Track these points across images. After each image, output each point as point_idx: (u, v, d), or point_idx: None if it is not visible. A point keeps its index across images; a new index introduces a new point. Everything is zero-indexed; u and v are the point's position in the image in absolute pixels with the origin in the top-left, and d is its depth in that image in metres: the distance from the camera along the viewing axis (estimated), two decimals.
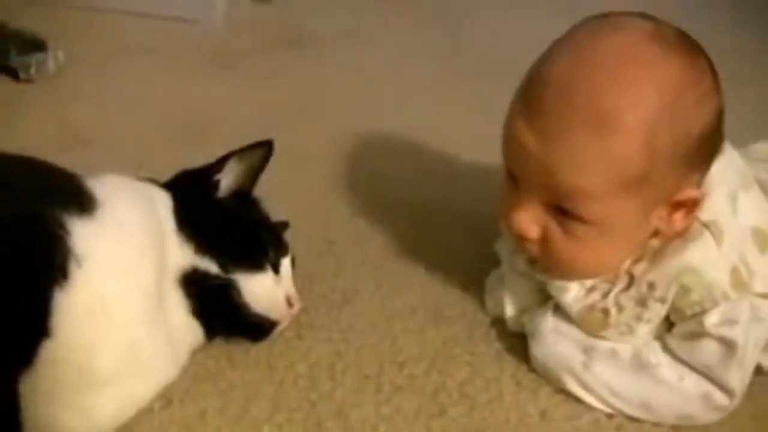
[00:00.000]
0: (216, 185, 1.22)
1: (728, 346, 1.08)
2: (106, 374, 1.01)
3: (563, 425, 1.13)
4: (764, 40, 2.45)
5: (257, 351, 1.19)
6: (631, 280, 1.12)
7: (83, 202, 1.04)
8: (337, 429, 1.09)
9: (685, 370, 1.11)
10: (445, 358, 1.21)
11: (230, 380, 1.15)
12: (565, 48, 1.07)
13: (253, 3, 2.47)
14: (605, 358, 1.14)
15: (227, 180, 1.23)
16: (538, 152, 1.04)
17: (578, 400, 1.15)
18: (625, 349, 1.14)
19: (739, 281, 1.08)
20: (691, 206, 1.08)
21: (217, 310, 1.15)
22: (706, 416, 1.12)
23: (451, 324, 1.27)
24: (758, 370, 1.15)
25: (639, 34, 1.05)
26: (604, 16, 1.09)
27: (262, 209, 1.28)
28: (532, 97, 1.06)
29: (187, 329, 1.14)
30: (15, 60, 1.89)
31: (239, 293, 1.14)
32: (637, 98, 1.01)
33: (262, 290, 1.16)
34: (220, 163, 1.22)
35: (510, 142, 1.09)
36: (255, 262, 1.17)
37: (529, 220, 1.10)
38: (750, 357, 1.10)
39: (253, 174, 1.26)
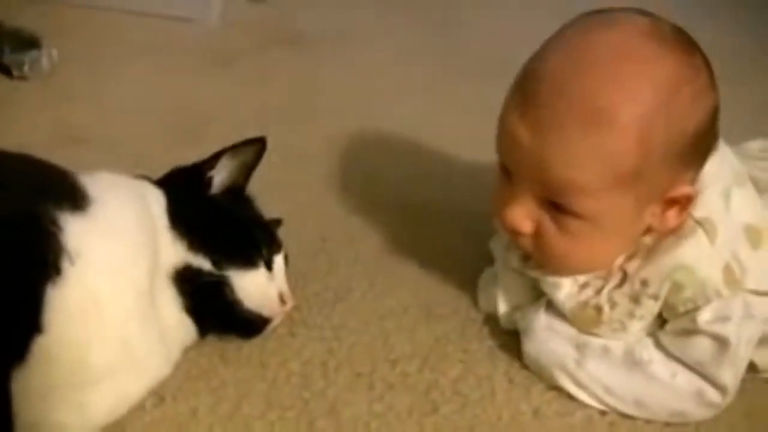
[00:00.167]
0: (209, 182, 1.22)
1: (721, 343, 1.08)
2: (99, 371, 1.01)
3: (556, 422, 1.13)
4: (763, 40, 2.46)
5: (250, 348, 1.19)
6: (624, 276, 1.12)
7: (76, 199, 1.04)
8: (330, 427, 1.09)
9: (678, 367, 1.11)
10: (437, 355, 1.21)
11: (222, 378, 1.15)
12: (561, 43, 1.08)
13: (248, 2, 2.47)
14: (598, 355, 1.14)
15: (220, 177, 1.23)
16: (532, 147, 1.04)
17: (571, 397, 1.15)
18: (617, 346, 1.14)
19: (732, 278, 1.08)
20: (684, 203, 1.08)
21: (210, 307, 1.14)
22: (699, 413, 1.12)
23: (444, 322, 1.27)
24: (751, 367, 1.15)
25: (635, 30, 1.05)
26: (600, 12, 1.09)
27: (256, 207, 1.28)
28: (527, 91, 1.06)
29: (179, 326, 1.14)
30: (8, 57, 1.89)
31: (232, 290, 1.14)
32: (632, 94, 1.01)
33: (255, 287, 1.16)
34: (213, 160, 1.22)
35: (504, 136, 1.09)
36: (248, 259, 1.17)
37: (523, 215, 1.10)
38: (742, 354, 1.10)
39: (246, 171, 1.26)
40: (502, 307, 1.25)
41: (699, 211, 1.09)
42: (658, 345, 1.13)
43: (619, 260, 1.13)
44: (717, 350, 1.09)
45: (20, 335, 0.95)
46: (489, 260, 1.32)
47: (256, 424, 1.09)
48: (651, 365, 1.12)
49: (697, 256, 1.08)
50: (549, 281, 1.16)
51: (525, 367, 1.19)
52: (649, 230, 1.11)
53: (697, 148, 1.07)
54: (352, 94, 1.97)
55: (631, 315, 1.12)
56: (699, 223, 1.09)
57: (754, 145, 1.33)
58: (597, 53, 1.03)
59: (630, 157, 1.02)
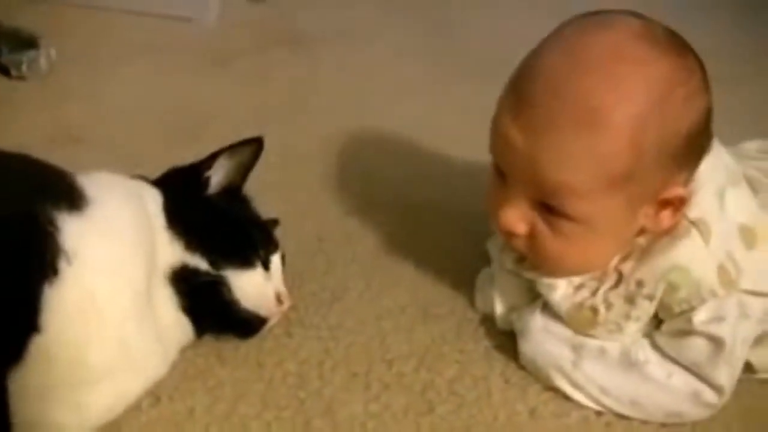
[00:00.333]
0: (206, 182, 1.22)
1: (716, 343, 1.08)
2: (96, 371, 1.01)
3: (552, 423, 1.13)
4: (762, 41, 2.46)
5: (246, 348, 1.19)
6: (620, 277, 1.12)
7: (74, 199, 1.04)
8: (326, 427, 1.09)
9: (674, 368, 1.11)
10: (434, 355, 1.21)
11: (219, 378, 1.15)
12: (554, 45, 1.08)
13: (247, 2, 2.47)
14: (594, 355, 1.14)
15: (217, 177, 1.23)
16: (526, 148, 1.04)
17: (567, 397, 1.15)
18: (613, 346, 1.14)
19: (727, 278, 1.08)
20: (678, 205, 1.08)
21: (207, 307, 1.15)
22: (695, 413, 1.12)
23: (441, 322, 1.27)
24: (747, 367, 1.15)
25: (628, 32, 1.05)
26: (594, 13, 1.09)
27: (252, 206, 1.28)
28: (521, 93, 1.07)
29: (176, 326, 1.14)
30: (6, 57, 1.89)
31: (229, 290, 1.14)
32: (625, 96, 1.01)
33: (252, 287, 1.17)
34: (210, 160, 1.23)
35: (498, 138, 1.09)
36: (245, 259, 1.17)
37: (516, 217, 1.10)
38: (738, 354, 1.10)
39: (243, 171, 1.26)
40: (499, 308, 1.25)
41: (693, 211, 1.09)
42: (654, 346, 1.13)
43: (614, 261, 1.13)
44: (712, 351, 1.09)
45: (17, 335, 0.96)
46: (486, 261, 1.31)
47: (252, 424, 1.09)
48: (647, 366, 1.12)
49: (691, 257, 1.08)
50: (544, 282, 1.16)
51: (521, 367, 1.19)
52: (643, 231, 1.11)
53: (691, 150, 1.07)
54: (350, 94, 1.97)
55: (627, 316, 1.12)
56: (693, 223, 1.09)
57: (751, 146, 1.33)
58: (591, 55, 1.03)
59: (623, 158, 1.02)
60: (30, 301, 0.96)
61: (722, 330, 1.08)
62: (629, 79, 1.02)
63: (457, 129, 1.77)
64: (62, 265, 0.98)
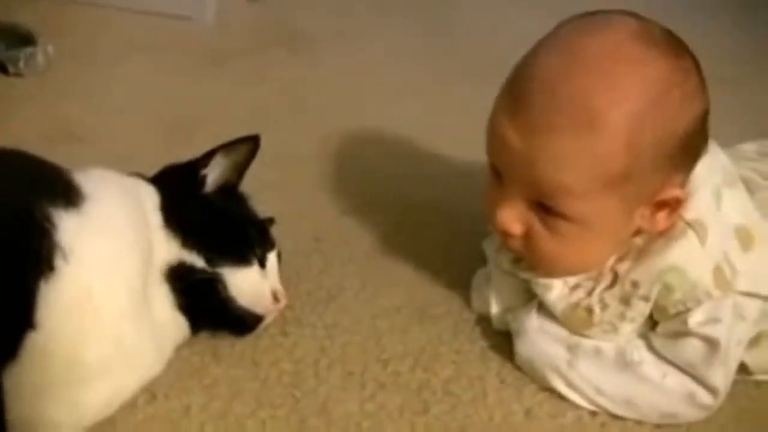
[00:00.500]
0: (202, 180, 1.22)
1: (711, 344, 1.09)
2: (93, 368, 1.01)
3: (547, 423, 1.13)
4: (762, 41, 2.46)
5: (242, 347, 1.19)
6: (615, 278, 1.12)
7: (70, 196, 1.04)
8: (321, 425, 1.09)
9: (669, 369, 1.12)
10: (429, 355, 1.21)
11: (215, 376, 1.15)
12: (552, 45, 1.08)
13: (246, 1, 2.47)
14: (589, 356, 1.14)
15: (213, 174, 1.23)
16: (522, 149, 1.04)
17: (562, 398, 1.15)
18: (609, 347, 1.14)
19: (723, 280, 1.08)
20: (674, 206, 1.08)
21: (203, 304, 1.15)
22: (690, 414, 1.12)
23: (437, 322, 1.27)
24: (742, 368, 1.15)
25: (625, 33, 1.05)
26: (592, 14, 1.10)
27: (249, 204, 1.28)
28: (517, 93, 1.07)
29: (172, 323, 1.14)
30: (3, 54, 1.88)
31: (225, 287, 1.14)
32: (621, 96, 1.01)
33: (248, 284, 1.17)
34: (206, 158, 1.22)
35: (494, 137, 1.09)
36: (241, 257, 1.17)
37: (513, 217, 1.10)
38: (733, 355, 1.10)
39: (240, 169, 1.26)
40: (495, 308, 1.25)
41: (690, 212, 1.09)
42: (650, 346, 1.14)
43: (610, 262, 1.13)
44: (708, 352, 1.09)
45: (13, 332, 0.95)
46: (482, 261, 1.32)
47: (247, 423, 1.09)
48: (642, 366, 1.13)
49: (687, 258, 1.08)
50: (540, 283, 1.16)
51: (517, 367, 1.19)
52: (639, 232, 1.11)
53: (687, 151, 1.07)
54: (348, 94, 1.96)
55: (622, 316, 1.12)
56: (690, 224, 1.09)
57: (748, 147, 1.33)
58: (588, 55, 1.03)
59: (619, 158, 1.02)
60: (26, 297, 0.96)
61: (717, 331, 1.08)
62: (626, 80, 1.02)
63: (454, 129, 1.77)
64: (58, 261, 0.98)
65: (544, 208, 1.07)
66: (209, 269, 1.14)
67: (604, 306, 1.13)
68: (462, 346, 1.23)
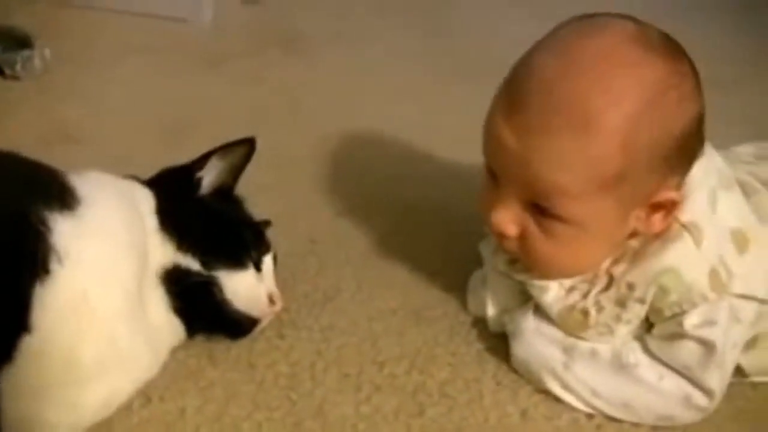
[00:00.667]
0: (198, 183, 1.22)
1: (707, 347, 1.09)
2: (89, 370, 1.01)
3: (543, 425, 1.13)
4: (762, 42, 2.46)
5: (238, 349, 1.19)
6: (611, 280, 1.12)
7: (65, 199, 1.04)
8: (317, 428, 1.09)
9: (665, 371, 1.11)
10: (425, 358, 1.21)
11: (210, 378, 1.15)
12: (549, 47, 1.08)
13: (242, 4, 2.47)
14: (586, 358, 1.14)
15: (209, 177, 1.23)
16: (518, 149, 1.04)
17: (558, 399, 1.15)
18: (605, 349, 1.14)
19: (718, 282, 1.08)
20: (669, 208, 1.08)
21: (199, 308, 1.15)
22: (686, 417, 1.12)
23: (433, 324, 1.27)
24: (738, 371, 1.15)
25: (622, 35, 1.05)
26: (589, 16, 1.09)
27: (245, 207, 1.28)
28: (514, 95, 1.07)
29: (168, 326, 1.14)
30: (0, 56, 1.88)
31: (221, 290, 1.14)
32: (617, 99, 1.01)
33: (244, 287, 1.17)
34: (202, 161, 1.23)
35: (490, 138, 1.09)
36: (237, 260, 1.17)
37: (508, 218, 1.10)
38: (729, 358, 1.11)
39: (236, 171, 1.26)
40: (491, 310, 1.25)
41: (685, 215, 1.09)
42: (646, 349, 1.13)
43: (606, 264, 1.13)
44: (703, 354, 1.09)
45: (8, 335, 0.96)
46: (479, 263, 1.32)
47: (243, 425, 1.09)
48: (638, 369, 1.12)
49: (683, 260, 1.08)
50: (536, 284, 1.16)
51: (513, 369, 1.19)
52: (634, 234, 1.11)
53: (683, 153, 1.07)
54: (344, 95, 1.96)
55: (618, 319, 1.12)
56: (685, 227, 1.09)
57: (744, 150, 1.33)
58: (584, 57, 1.03)
59: (615, 160, 1.02)
60: (21, 300, 0.96)
61: (713, 334, 1.08)
62: (622, 82, 1.02)
63: (452, 131, 1.76)
64: (54, 264, 0.98)
65: (540, 209, 1.07)
66: (205, 272, 1.14)
67: (600, 308, 1.13)
68: (458, 349, 1.23)
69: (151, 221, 1.15)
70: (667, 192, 1.07)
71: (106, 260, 1.04)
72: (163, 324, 1.13)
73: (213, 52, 2.15)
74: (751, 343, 1.15)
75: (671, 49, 1.07)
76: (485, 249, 1.29)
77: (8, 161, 1.09)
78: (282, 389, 1.14)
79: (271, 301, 1.19)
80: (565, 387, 1.14)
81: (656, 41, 1.06)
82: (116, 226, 1.08)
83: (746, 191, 1.18)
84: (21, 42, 1.91)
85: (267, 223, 1.30)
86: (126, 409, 1.08)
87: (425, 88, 2.04)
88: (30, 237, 0.99)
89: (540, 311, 1.18)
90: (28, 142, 1.55)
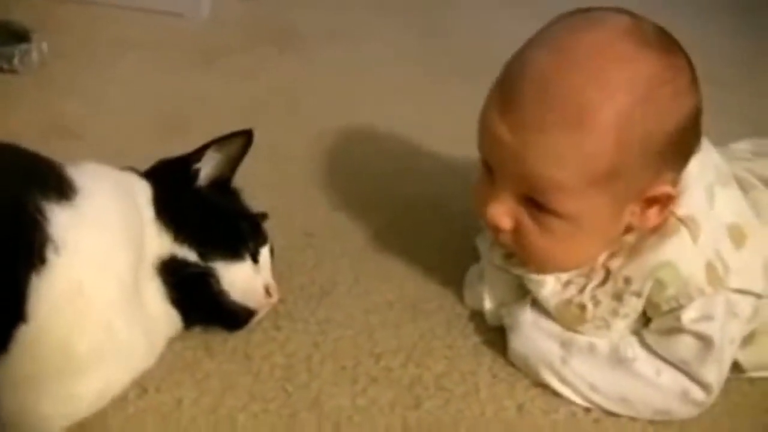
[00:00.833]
0: (195, 174, 1.22)
1: (705, 341, 1.09)
2: (84, 361, 1.01)
3: (540, 419, 1.13)
4: (760, 43, 2.47)
5: (234, 341, 1.19)
6: (607, 274, 1.12)
7: (62, 189, 1.04)
8: (313, 419, 1.09)
9: (663, 365, 1.12)
10: (422, 351, 1.21)
11: (207, 370, 1.15)
12: (543, 42, 1.08)
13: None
14: (583, 352, 1.14)
15: (206, 169, 1.23)
16: (513, 144, 1.04)
17: (555, 393, 1.15)
18: (603, 343, 1.14)
19: (715, 277, 1.08)
20: (665, 202, 1.08)
21: (196, 299, 1.14)
22: (684, 411, 1.12)
23: (429, 317, 1.27)
24: (735, 366, 1.16)
25: (617, 30, 1.05)
26: (584, 10, 1.09)
27: (242, 199, 1.28)
28: (508, 90, 1.07)
29: (164, 317, 1.14)
30: None
31: (218, 281, 1.14)
32: (611, 93, 1.01)
33: (241, 279, 1.16)
34: (199, 152, 1.22)
35: (485, 133, 1.09)
36: (234, 251, 1.17)
37: (503, 212, 1.10)
38: (726, 353, 1.11)
39: (233, 163, 1.26)
40: (488, 304, 1.25)
41: (682, 209, 1.09)
42: (643, 343, 1.14)
43: (602, 258, 1.13)
44: (701, 349, 1.09)
45: (3, 325, 0.95)
46: (475, 257, 1.32)
47: (239, 416, 1.09)
48: (636, 363, 1.13)
49: (679, 254, 1.08)
50: (532, 279, 1.16)
51: (510, 363, 1.19)
52: (630, 229, 1.11)
53: (678, 148, 1.07)
54: (340, 92, 1.96)
55: (615, 313, 1.12)
56: (682, 221, 1.09)
57: (742, 146, 1.34)
58: (578, 52, 1.03)
59: (609, 155, 1.02)
60: (17, 290, 0.96)
61: (711, 328, 1.09)
62: (616, 77, 1.02)
63: (448, 127, 1.76)
64: (50, 254, 0.98)
65: (535, 204, 1.07)
66: (202, 263, 1.14)
67: (597, 302, 1.13)
68: (454, 342, 1.23)
69: (148, 212, 1.15)
70: (662, 187, 1.07)
71: (103, 251, 1.04)
72: (160, 315, 1.13)
73: (210, 47, 2.15)
74: (748, 339, 1.15)
75: (666, 43, 1.07)
76: (482, 243, 1.29)
77: (5, 152, 1.09)
78: (278, 381, 1.14)
79: (268, 292, 1.19)
80: (563, 381, 1.14)
81: (651, 35, 1.06)
82: (113, 217, 1.08)
83: (743, 187, 1.18)
84: (19, 36, 1.90)
85: (264, 216, 1.30)
86: (122, 400, 1.08)
87: (422, 86, 2.04)
88: (27, 226, 0.98)
89: (538, 305, 1.18)
90: (26, 136, 1.52)
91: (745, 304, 1.12)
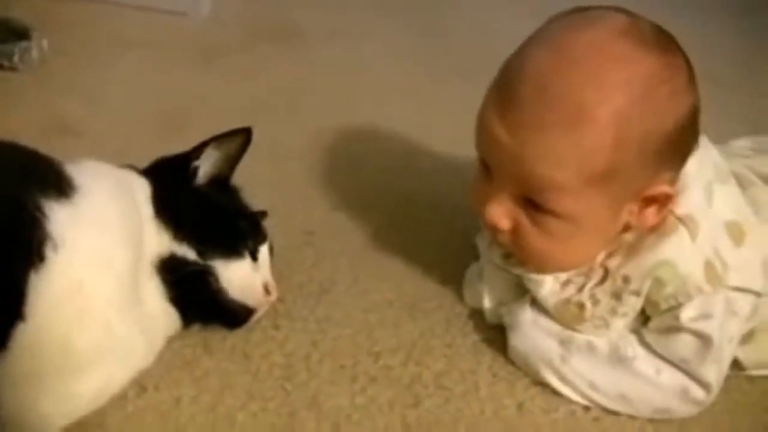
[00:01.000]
0: (194, 172, 1.22)
1: (704, 340, 1.09)
2: (83, 359, 1.01)
3: (539, 418, 1.13)
4: (760, 42, 2.46)
5: (233, 340, 1.19)
6: (606, 274, 1.12)
7: (62, 187, 1.04)
8: (311, 418, 1.09)
9: (662, 364, 1.12)
10: (421, 349, 1.21)
11: (205, 368, 1.15)
12: (541, 41, 1.08)
13: None
14: (583, 351, 1.14)
15: (205, 167, 1.23)
16: (510, 144, 1.04)
17: (555, 392, 1.15)
18: (602, 342, 1.14)
19: (714, 275, 1.08)
20: (663, 201, 1.08)
21: (195, 297, 1.14)
22: (683, 410, 1.12)
23: (429, 316, 1.27)
24: (735, 364, 1.16)
25: (614, 29, 1.05)
26: (582, 9, 1.09)
27: (241, 197, 1.28)
28: (506, 89, 1.06)
29: (163, 316, 1.14)
30: None
31: (217, 280, 1.14)
32: (609, 93, 1.01)
33: (240, 277, 1.16)
34: (197, 150, 1.22)
35: (483, 133, 1.09)
36: (233, 249, 1.17)
37: (501, 212, 1.10)
38: (726, 351, 1.11)
39: (231, 161, 1.26)
40: (488, 303, 1.25)
41: (681, 208, 1.09)
42: (643, 342, 1.14)
43: (601, 257, 1.13)
44: (700, 347, 1.09)
45: (2, 323, 0.95)
46: (475, 255, 1.32)
47: (238, 415, 1.09)
48: (635, 362, 1.13)
49: (678, 253, 1.08)
50: (531, 278, 1.16)
51: (509, 361, 1.19)
52: (628, 228, 1.11)
53: (676, 147, 1.07)
54: (340, 91, 1.96)
55: (614, 312, 1.12)
56: (681, 220, 1.09)
57: (741, 144, 1.34)
58: (576, 51, 1.03)
59: (607, 154, 1.02)
60: (15, 288, 0.96)
61: (710, 327, 1.09)
62: (614, 77, 1.02)
63: (448, 126, 1.75)
64: (49, 252, 0.98)
65: (533, 204, 1.07)
66: (201, 261, 1.14)
67: (596, 301, 1.13)
68: (454, 340, 1.23)
69: (147, 210, 1.15)
70: (660, 186, 1.07)
71: (102, 248, 1.04)
72: (159, 313, 1.13)
73: (210, 45, 2.15)
74: (747, 337, 1.15)
75: (664, 42, 1.06)
76: (481, 242, 1.29)
77: (4, 149, 1.09)
78: (277, 380, 1.14)
79: (267, 290, 1.19)
80: (563, 379, 1.14)
81: (649, 35, 1.06)
82: (112, 215, 1.08)
83: (742, 184, 1.18)
84: (19, 33, 1.90)
85: (263, 214, 1.30)
86: (121, 398, 1.08)
87: (422, 86, 2.04)
88: (26, 224, 0.98)
89: (537, 303, 1.17)
90: (25, 133, 1.53)
91: (744, 303, 1.11)
